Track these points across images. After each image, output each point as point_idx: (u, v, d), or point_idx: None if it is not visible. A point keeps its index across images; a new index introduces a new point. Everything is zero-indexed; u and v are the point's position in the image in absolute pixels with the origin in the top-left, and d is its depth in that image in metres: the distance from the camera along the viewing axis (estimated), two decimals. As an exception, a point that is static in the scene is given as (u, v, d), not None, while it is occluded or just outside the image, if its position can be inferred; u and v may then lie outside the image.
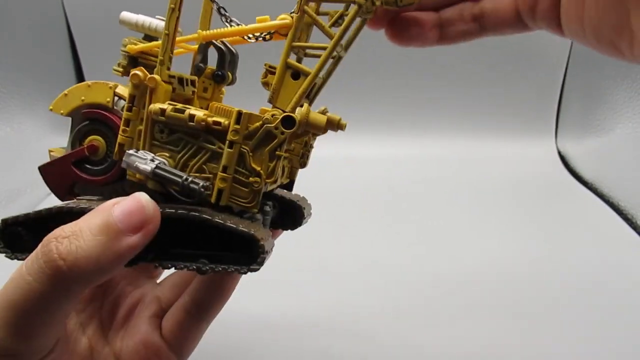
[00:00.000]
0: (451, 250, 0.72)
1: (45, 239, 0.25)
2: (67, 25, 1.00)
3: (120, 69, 0.34)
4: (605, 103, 0.94)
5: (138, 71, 0.30)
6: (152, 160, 0.29)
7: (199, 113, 0.29)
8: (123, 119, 0.30)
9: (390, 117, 1.07)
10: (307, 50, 0.32)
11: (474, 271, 0.67)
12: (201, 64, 0.34)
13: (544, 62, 1.07)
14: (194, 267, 0.30)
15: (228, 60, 0.35)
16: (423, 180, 0.96)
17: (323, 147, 0.60)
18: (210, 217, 0.29)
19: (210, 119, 0.29)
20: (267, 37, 0.34)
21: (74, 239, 0.24)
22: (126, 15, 0.34)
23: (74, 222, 0.25)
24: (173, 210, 0.29)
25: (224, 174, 0.30)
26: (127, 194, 0.29)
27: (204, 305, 0.37)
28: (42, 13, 0.93)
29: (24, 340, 0.25)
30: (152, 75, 0.30)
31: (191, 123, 0.29)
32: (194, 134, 0.30)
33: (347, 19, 0.29)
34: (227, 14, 0.33)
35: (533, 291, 0.63)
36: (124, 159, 0.29)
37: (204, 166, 0.31)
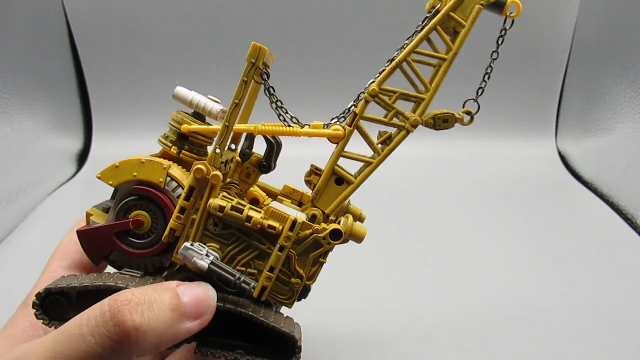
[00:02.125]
0: (451, 250, 0.72)
1: (113, 303, 0.25)
2: (67, 26, 1.00)
3: (169, 143, 0.35)
4: (606, 103, 0.94)
5: (202, 166, 0.31)
6: (208, 256, 0.31)
7: (257, 215, 0.32)
8: (179, 206, 0.32)
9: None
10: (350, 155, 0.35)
11: (474, 270, 0.67)
12: (248, 151, 0.36)
13: (544, 62, 1.07)
14: (232, 357, 0.32)
15: (275, 152, 0.37)
16: (422, 180, 0.96)
17: (324, 147, 0.60)
18: (256, 315, 0.31)
19: (266, 222, 0.32)
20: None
21: (147, 309, 0.24)
22: (181, 91, 0.36)
23: (144, 291, 0.25)
24: (222, 304, 0.31)
25: (270, 274, 0.33)
26: (162, 267, 0.33)
27: None
28: (43, 13, 0.93)
29: None
30: (215, 173, 0.31)
31: (247, 223, 0.32)
32: (247, 232, 0.32)
33: (395, 141, 0.35)
34: (275, 97, 0.34)
35: (533, 290, 0.63)
36: (181, 251, 0.31)
37: (251, 262, 0.33)
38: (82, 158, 1.02)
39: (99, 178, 0.33)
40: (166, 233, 0.32)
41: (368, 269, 0.67)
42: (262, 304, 0.33)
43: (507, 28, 0.34)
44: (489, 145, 1.08)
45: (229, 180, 0.37)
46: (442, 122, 0.34)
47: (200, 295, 0.27)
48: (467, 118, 0.35)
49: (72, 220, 0.39)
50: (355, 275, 0.65)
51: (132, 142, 1.00)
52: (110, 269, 0.36)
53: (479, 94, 0.36)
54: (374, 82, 0.34)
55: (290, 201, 0.39)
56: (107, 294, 0.27)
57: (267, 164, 0.36)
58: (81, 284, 0.31)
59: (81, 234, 0.34)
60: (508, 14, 0.33)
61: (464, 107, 0.36)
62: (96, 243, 0.34)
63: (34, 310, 0.31)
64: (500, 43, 0.35)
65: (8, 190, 0.77)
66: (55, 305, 0.32)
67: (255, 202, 0.38)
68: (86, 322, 0.25)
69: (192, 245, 0.31)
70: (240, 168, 0.37)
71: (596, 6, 0.98)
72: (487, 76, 0.36)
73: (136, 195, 0.33)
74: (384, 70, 0.34)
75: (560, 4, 1.02)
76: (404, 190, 0.92)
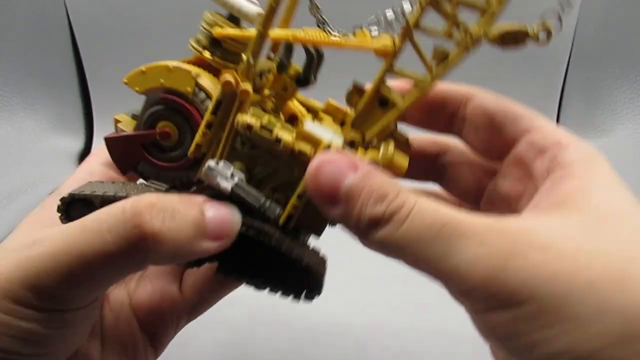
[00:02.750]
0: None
1: (135, 204, 0.24)
2: (69, 24, 1.00)
3: (200, 48, 0.32)
4: (606, 104, 0.94)
5: (231, 78, 0.28)
6: (232, 177, 0.28)
7: (287, 137, 0.28)
8: (205, 120, 0.29)
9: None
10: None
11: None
12: (285, 61, 0.32)
13: (544, 62, 1.07)
14: (252, 282, 0.31)
15: (315, 64, 0.32)
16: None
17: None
18: (279, 244, 0.29)
19: (296, 147, 0.28)
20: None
21: (169, 218, 0.24)
22: None
23: (168, 199, 0.25)
24: (244, 229, 0.29)
25: (298, 202, 0.29)
26: (190, 182, 0.31)
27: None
28: (44, 12, 0.94)
29: (73, 292, 0.25)
30: (244, 88, 0.28)
31: (276, 146, 0.28)
32: (276, 154, 0.29)
33: (451, 58, 0.28)
34: (319, 14, 0.30)
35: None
36: (204, 170, 0.29)
37: (280, 187, 0.30)
38: (83, 158, 1.01)
39: (125, 83, 0.31)
40: (191, 149, 0.30)
41: (368, 272, 0.67)
42: (289, 233, 0.31)
43: None
44: (489, 145, 1.08)
45: (266, 92, 0.33)
46: (511, 41, 0.29)
47: (224, 217, 0.26)
48: (542, 35, 0.29)
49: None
50: (356, 276, 0.65)
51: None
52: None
53: (564, 11, 0.29)
54: None
55: (331, 118, 0.34)
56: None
57: (306, 76, 0.32)
58: (104, 193, 0.30)
59: (108, 141, 0.32)
60: None
61: (543, 21, 0.29)
62: (123, 152, 0.32)
63: (58, 214, 0.30)
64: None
65: (8, 190, 0.78)
66: (79, 210, 0.30)
67: (293, 118, 0.34)
68: (105, 217, 0.24)
69: (216, 164, 0.29)
70: (277, 80, 0.32)
71: (596, 6, 0.98)
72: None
73: (163, 104, 0.31)
74: None
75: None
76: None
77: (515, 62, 1.06)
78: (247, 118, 0.28)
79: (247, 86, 0.28)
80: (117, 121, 0.33)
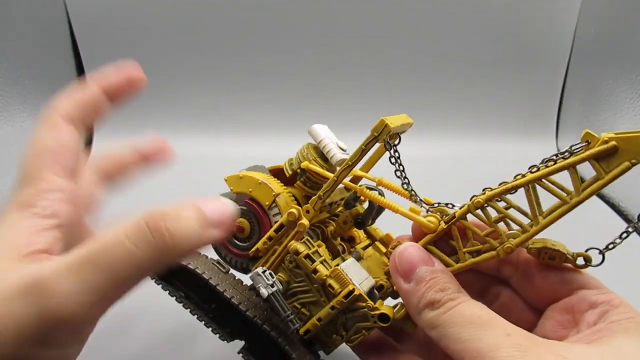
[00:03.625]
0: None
1: (149, 215, 0.27)
2: (68, 24, 1.00)
3: (290, 171, 0.39)
4: (606, 104, 0.94)
5: (295, 211, 0.35)
6: (272, 286, 0.35)
7: (323, 271, 0.35)
8: (268, 234, 0.37)
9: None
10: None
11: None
12: (352, 201, 0.39)
13: (545, 62, 1.08)
14: None
15: (374, 213, 0.39)
16: (422, 180, 0.96)
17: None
18: (289, 348, 0.37)
19: (328, 280, 0.35)
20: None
21: (177, 220, 0.27)
22: (315, 129, 0.39)
23: (171, 207, 0.28)
24: (268, 328, 0.37)
25: (317, 323, 0.36)
26: (247, 270, 0.39)
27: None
28: (44, 11, 0.94)
29: (107, 304, 0.26)
30: (303, 222, 0.35)
31: (313, 275, 0.35)
32: (312, 279, 0.36)
33: (481, 257, 0.32)
34: (398, 164, 0.36)
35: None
36: (252, 274, 0.36)
37: (307, 304, 0.37)
38: (83, 157, 1.02)
39: (226, 180, 0.39)
40: (253, 250, 0.38)
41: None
42: (305, 342, 0.38)
43: None
44: (489, 145, 1.08)
45: (329, 216, 0.41)
46: (547, 258, 0.32)
47: (219, 209, 0.29)
48: (581, 261, 0.32)
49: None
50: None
51: (133, 142, 1.00)
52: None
53: (608, 248, 0.33)
54: (483, 192, 0.32)
55: (384, 251, 0.41)
56: (196, 277, 0.38)
57: (363, 221, 0.39)
58: (185, 263, 0.39)
59: None
60: None
61: (586, 251, 0.33)
62: None
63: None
64: None
65: (8, 190, 0.77)
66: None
67: (351, 239, 0.42)
68: (124, 232, 0.26)
69: (263, 272, 0.36)
70: (342, 214, 0.40)
71: (597, 6, 0.98)
72: (624, 234, 0.34)
73: (246, 206, 0.38)
74: (498, 186, 0.32)
75: (560, 4, 1.02)
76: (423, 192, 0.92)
77: (515, 62, 1.06)
78: (298, 245, 0.35)
79: (305, 221, 0.35)
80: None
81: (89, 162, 0.38)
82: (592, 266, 0.32)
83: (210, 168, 0.88)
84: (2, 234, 0.29)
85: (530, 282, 0.34)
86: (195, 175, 0.83)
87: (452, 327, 0.28)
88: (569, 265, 0.33)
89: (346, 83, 1.06)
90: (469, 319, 0.28)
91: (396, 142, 0.36)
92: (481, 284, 0.38)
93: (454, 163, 1.02)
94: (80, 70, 1.03)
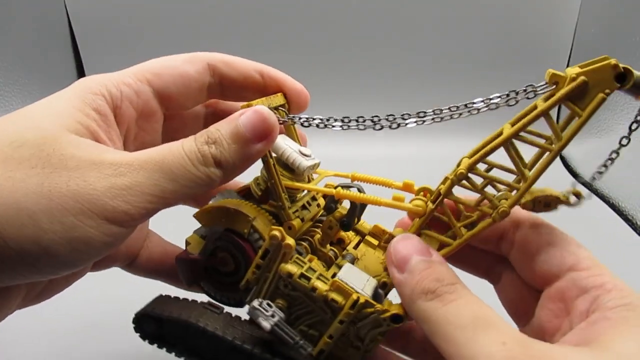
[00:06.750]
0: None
1: (202, 134, 0.30)
2: (68, 23, 1.00)
3: (258, 192, 0.38)
4: (606, 104, 0.94)
5: (277, 232, 0.33)
6: (273, 317, 0.33)
7: (322, 286, 0.33)
8: (254, 263, 0.34)
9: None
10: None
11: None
12: (332, 205, 0.37)
13: (545, 62, 1.07)
14: None
15: (358, 211, 0.37)
16: (422, 180, 0.96)
17: (326, 147, 0.60)
18: None
19: (330, 295, 0.32)
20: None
21: (218, 145, 0.29)
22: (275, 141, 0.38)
23: (215, 129, 0.30)
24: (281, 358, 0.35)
25: (329, 340, 0.34)
26: (242, 302, 0.37)
27: None
28: (44, 10, 0.94)
29: (155, 210, 0.28)
30: (288, 242, 0.33)
31: (312, 293, 0.33)
32: (312, 298, 0.33)
33: (478, 227, 0.31)
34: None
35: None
36: (249, 309, 0.34)
37: (314, 324, 0.34)
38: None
39: (195, 217, 0.37)
40: (242, 282, 0.35)
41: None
42: None
43: None
44: (489, 145, 1.08)
45: (311, 225, 0.39)
46: (542, 206, 0.31)
47: (255, 121, 0.30)
48: (573, 199, 0.31)
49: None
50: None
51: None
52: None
53: (595, 179, 0.31)
54: (464, 159, 0.31)
55: (376, 244, 0.40)
56: (193, 326, 0.35)
57: (349, 222, 0.37)
58: (169, 314, 0.37)
59: (178, 261, 0.37)
60: None
61: (573, 186, 0.31)
62: (189, 270, 0.37)
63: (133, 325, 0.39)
64: (633, 129, 0.29)
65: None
66: (147, 323, 0.38)
67: (340, 241, 0.40)
68: (186, 150, 0.29)
69: (260, 304, 0.34)
70: (325, 219, 0.38)
71: (597, 7, 0.98)
72: (610, 161, 0.31)
73: (224, 240, 0.36)
74: (477, 152, 0.31)
75: (560, 4, 1.02)
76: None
77: (515, 62, 1.06)
78: (289, 267, 0.33)
79: (291, 241, 0.33)
80: (187, 243, 0.37)
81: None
82: (582, 198, 0.31)
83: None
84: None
85: (525, 262, 0.33)
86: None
87: (448, 325, 0.27)
88: (563, 241, 0.32)
89: (346, 82, 1.06)
90: (465, 320, 0.26)
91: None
92: (486, 262, 0.37)
93: (454, 163, 1.02)
94: (80, 70, 1.03)
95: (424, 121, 0.32)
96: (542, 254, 0.32)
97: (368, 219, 0.41)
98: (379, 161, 1.00)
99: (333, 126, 0.33)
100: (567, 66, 1.08)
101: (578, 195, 0.30)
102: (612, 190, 0.90)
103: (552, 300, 0.31)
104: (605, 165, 0.30)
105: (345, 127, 0.34)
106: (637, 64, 0.27)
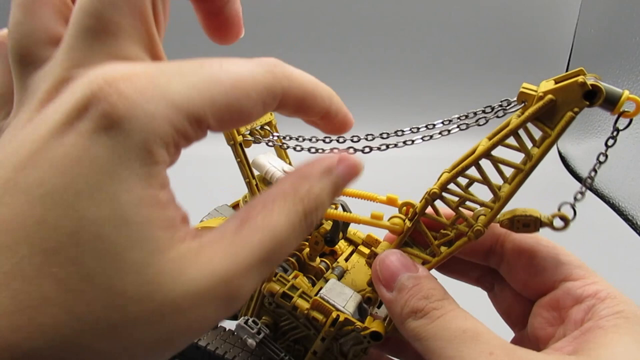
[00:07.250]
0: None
1: (306, 201, 0.23)
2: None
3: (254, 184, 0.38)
4: (606, 103, 0.94)
5: None
6: (259, 334, 0.35)
7: (303, 305, 0.34)
8: None
9: (388, 118, 1.08)
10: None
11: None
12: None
13: (544, 62, 1.08)
14: None
15: (340, 227, 0.38)
16: (423, 180, 0.96)
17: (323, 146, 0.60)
18: None
19: (311, 313, 0.33)
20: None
21: (321, 206, 0.23)
22: (257, 160, 0.37)
23: (314, 189, 0.23)
24: None
25: (314, 357, 0.35)
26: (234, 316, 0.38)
27: None
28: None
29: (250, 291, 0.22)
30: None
31: (294, 311, 0.34)
32: (296, 315, 0.35)
33: (455, 246, 0.31)
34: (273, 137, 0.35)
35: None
36: (236, 327, 0.35)
37: (299, 340, 0.36)
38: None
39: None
40: None
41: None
42: None
43: (620, 129, 0.28)
44: (489, 145, 1.08)
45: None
46: (521, 226, 0.29)
47: (351, 176, 0.25)
48: (559, 222, 0.29)
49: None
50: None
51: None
52: None
53: (577, 199, 0.29)
54: (444, 174, 0.31)
55: (367, 255, 0.40)
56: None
57: (332, 238, 0.38)
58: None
59: None
60: (621, 111, 0.27)
61: (559, 209, 0.29)
62: None
63: None
64: (610, 145, 0.28)
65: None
66: None
67: (332, 252, 0.41)
68: (295, 220, 0.22)
69: (246, 322, 0.35)
70: (312, 235, 0.39)
71: (597, 7, 0.99)
72: (602, 156, 0.28)
73: None
74: (447, 172, 0.31)
75: (560, 4, 1.02)
76: (404, 191, 0.92)
77: (515, 62, 1.07)
78: (271, 286, 0.34)
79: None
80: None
81: None
82: (568, 221, 0.29)
83: (210, 168, 0.88)
84: None
85: (515, 274, 0.33)
86: (195, 175, 0.83)
87: (437, 340, 0.27)
88: (554, 252, 0.31)
89: (346, 82, 1.06)
90: (453, 333, 0.27)
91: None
92: (477, 273, 0.37)
93: (452, 163, 1.02)
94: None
95: (387, 146, 0.33)
96: (534, 267, 0.32)
97: (361, 228, 0.41)
98: (377, 162, 0.99)
99: (317, 149, 0.33)
100: (567, 66, 1.08)
101: (564, 219, 0.29)
102: (612, 190, 0.90)
103: (545, 308, 0.31)
104: (595, 170, 0.29)
105: (321, 151, 0.33)
106: (637, 64, 0.26)
